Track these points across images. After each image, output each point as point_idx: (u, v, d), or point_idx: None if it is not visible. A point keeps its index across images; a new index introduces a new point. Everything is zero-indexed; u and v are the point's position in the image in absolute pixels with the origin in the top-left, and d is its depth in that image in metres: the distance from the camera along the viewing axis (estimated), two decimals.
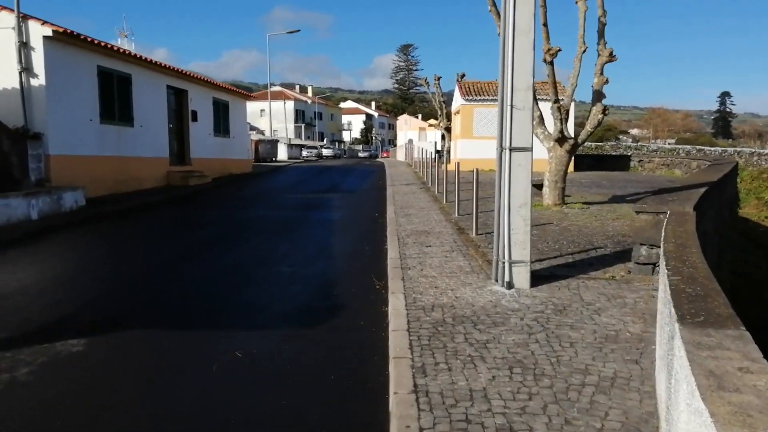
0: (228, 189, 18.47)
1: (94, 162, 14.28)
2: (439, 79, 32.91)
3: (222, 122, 22.78)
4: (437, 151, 42.35)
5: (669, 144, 65.51)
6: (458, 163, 12.18)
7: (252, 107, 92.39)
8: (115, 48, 14.93)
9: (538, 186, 13.50)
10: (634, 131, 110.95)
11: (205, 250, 8.80)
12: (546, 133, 12.65)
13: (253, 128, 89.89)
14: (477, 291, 6.02)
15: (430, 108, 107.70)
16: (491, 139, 26.36)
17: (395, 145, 72.14)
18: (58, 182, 12.72)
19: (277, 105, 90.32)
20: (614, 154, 31.45)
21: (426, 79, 35.56)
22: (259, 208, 13.74)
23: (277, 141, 39.67)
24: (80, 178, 13.49)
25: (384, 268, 7.31)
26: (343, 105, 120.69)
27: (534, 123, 12.74)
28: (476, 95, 26.41)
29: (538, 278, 6.37)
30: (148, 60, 16.83)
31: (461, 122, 26.86)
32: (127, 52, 15.52)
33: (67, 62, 13.31)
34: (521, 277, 6.14)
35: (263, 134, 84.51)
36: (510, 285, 6.10)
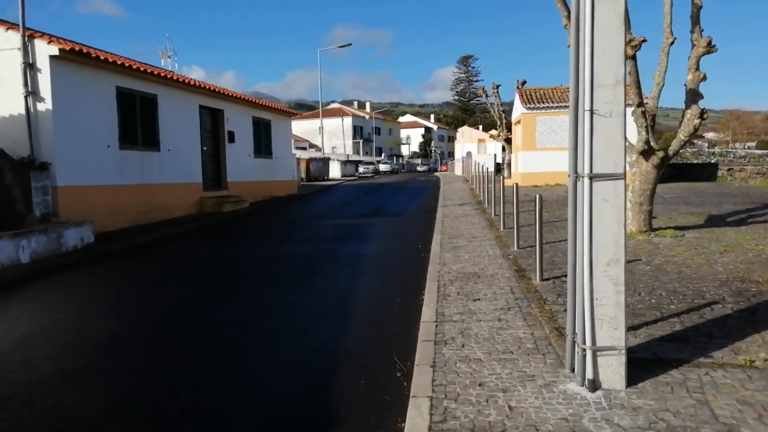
0: (263, 215, 16.97)
1: (112, 192, 13.04)
2: (497, 87, 30.63)
3: (263, 142, 21.47)
4: (497, 164, 39.85)
5: (749, 148, 60.38)
6: (516, 185, 10.02)
7: (310, 125, 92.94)
8: (135, 66, 13.73)
9: None
10: (710, 135, 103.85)
11: (196, 304, 7.09)
12: (628, 144, 10.30)
13: (312, 146, 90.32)
14: (543, 394, 3.94)
15: (490, 119, 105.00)
16: (556, 151, 23.92)
17: (454, 158, 69.81)
18: (68, 216, 11.50)
19: (336, 122, 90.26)
20: (698, 162, 28.06)
21: (483, 88, 33.33)
22: (286, 241, 12.04)
23: (328, 159, 38.39)
24: (95, 211, 12.27)
25: (413, 339, 5.32)
26: (401, 119, 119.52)
27: None
28: (538, 102, 24.00)
29: (635, 366, 4.22)
30: (177, 78, 15.64)
31: (522, 133, 24.50)
32: (149, 71, 14.32)
33: (78, 83, 12.15)
34: (612, 371, 4.00)
35: (324, 152, 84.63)
36: (595, 385, 3.97)
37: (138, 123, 14.16)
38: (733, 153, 33.64)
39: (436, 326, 5.56)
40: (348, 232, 12.97)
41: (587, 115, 3.95)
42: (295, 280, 8.18)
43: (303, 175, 34.93)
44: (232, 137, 18.76)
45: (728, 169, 25.17)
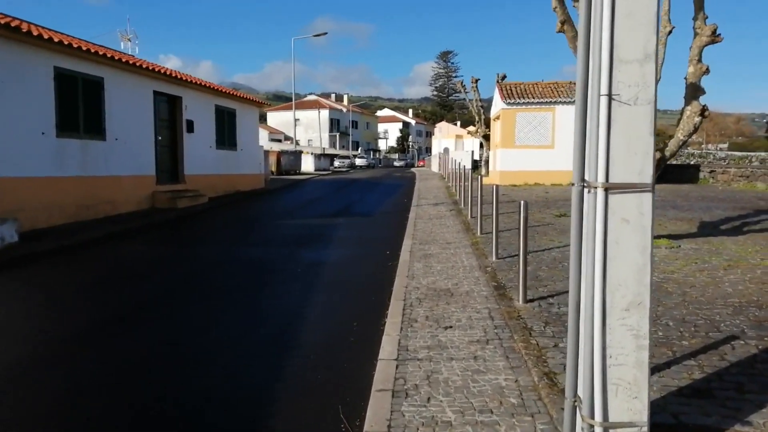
0: (221, 212, 15.65)
1: (46, 184, 11.62)
2: (476, 81, 29.59)
3: (227, 133, 20.08)
4: (474, 161, 38.91)
5: (721, 149, 60.78)
6: (496, 186, 8.92)
7: (286, 117, 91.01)
8: (77, 45, 12.28)
9: None
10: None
11: (106, 327, 5.83)
12: None
13: (287, 138, 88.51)
14: None
15: (469, 115, 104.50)
16: (536, 149, 22.99)
17: (431, 154, 68.87)
18: None
19: (312, 114, 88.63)
20: (678, 163, 27.43)
21: (462, 82, 32.26)
22: (241, 243, 10.80)
23: (300, 152, 36.96)
24: (24, 205, 10.86)
25: (367, 385, 4.19)
26: (379, 113, 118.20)
27: None
28: (519, 98, 23.02)
29: None
30: (127, 60, 14.19)
31: (502, 129, 23.52)
32: (94, 50, 12.87)
33: (6, 62, 10.70)
34: None
35: (298, 144, 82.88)
36: None
37: (80, 108, 12.72)
38: (713, 155, 33.21)
39: (397, 366, 4.43)
40: (311, 234, 11.76)
41: (603, 101, 2.84)
42: (238, 295, 6.96)
43: (273, 168, 33.50)
44: (191, 126, 17.37)
45: (710, 171, 24.56)
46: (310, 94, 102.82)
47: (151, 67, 15.21)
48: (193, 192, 16.73)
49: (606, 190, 2.86)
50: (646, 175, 2.84)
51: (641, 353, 2.89)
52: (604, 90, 2.83)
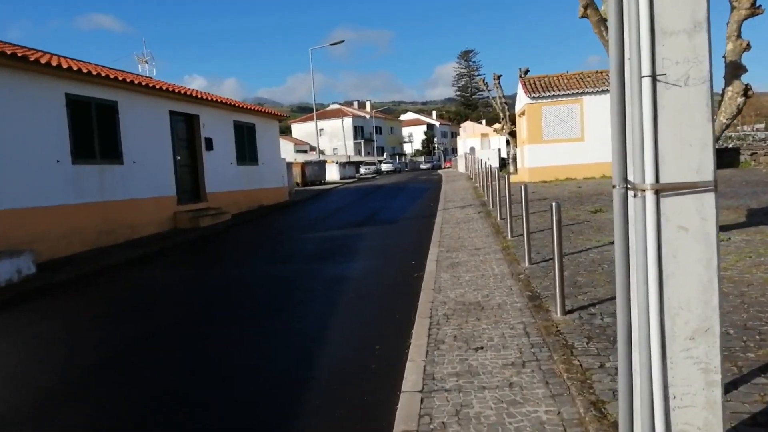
0: (243, 229, 15.37)
1: (64, 213, 11.48)
2: (499, 77, 28.86)
3: (247, 148, 19.88)
4: (502, 159, 38.12)
5: (757, 130, 58.22)
6: (525, 186, 8.32)
7: (310, 128, 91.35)
8: (86, 70, 12.15)
9: None
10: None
11: (107, 366, 5.48)
12: None
13: (313, 148, 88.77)
14: None
15: (493, 113, 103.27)
16: (564, 142, 22.19)
17: (457, 154, 68.07)
18: (8, 245, 9.94)
19: (336, 123, 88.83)
20: (717, 146, 26.16)
21: (484, 80, 31.53)
22: (261, 261, 10.43)
23: (324, 162, 36.72)
24: (43, 236, 10.72)
25: (387, 428, 3.70)
26: (403, 117, 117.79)
27: None
28: (544, 91, 22.27)
29: None
30: (139, 82, 14.04)
31: (528, 124, 22.79)
32: (105, 74, 12.74)
33: (15, 92, 10.59)
34: None
35: (323, 153, 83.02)
36: None
37: (95, 134, 12.59)
38: (752, 136, 31.74)
39: (422, 400, 3.93)
40: (334, 246, 11.34)
41: (646, 84, 2.31)
42: (253, 322, 6.55)
43: (298, 180, 33.35)
44: (209, 144, 17.19)
45: (751, 154, 23.35)
46: (333, 103, 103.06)
47: (165, 87, 15.07)
48: (215, 210, 16.52)
49: (656, 192, 2.32)
50: (706, 171, 2.30)
51: (713, 391, 2.34)
52: (646, 70, 2.29)
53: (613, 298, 4.40)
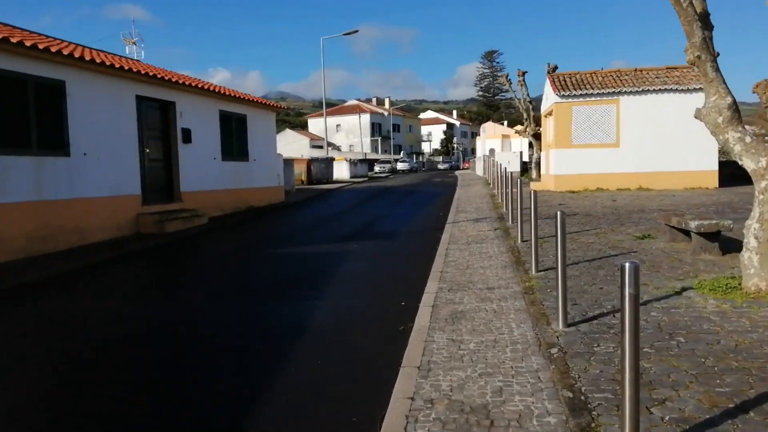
0: (213, 237, 13.07)
1: None
2: (524, 74, 26.24)
3: (236, 142, 17.59)
4: (523, 164, 35.43)
5: None
6: (562, 215, 5.73)
7: (329, 123, 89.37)
8: (16, 40, 9.88)
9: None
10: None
11: None
12: (752, 142, 6.09)
13: (330, 144, 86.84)
14: None
15: (516, 114, 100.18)
16: (596, 148, 19.52)
17: (476, 156, 65.32)
18: None
19: (353, 119, 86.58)
20: None
21: (507, 76, 28.88)
22: (208, 290, 8.09)
23: (332, 159, 34.35)
24: None
25: None
26: (422, 115, 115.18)
27: (722, 119, 6.26)
28: (575, 89, 19.63)
29: None
30: (93, 59, 11.78)
31: (556, 126, 20.18)
32: (45, 47, 10.48)
33: None
34: None
35: (339, 149, 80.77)
36: None
37: (32, 118, 10.37)
38: None
39: None
40: (306, 271, 8.98)
41: None
42: (132, 413, 4.18)
43: (303, 178, 31.07)
44: (187, 136, 14.93)
45: None
46: (354, 99, 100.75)
47: (128, 67, 12.77)
48: (189, 212, 14.26)
49: None
50: None
51: None
52: None
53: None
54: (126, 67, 12.60)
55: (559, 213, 5.59)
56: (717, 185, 18.87)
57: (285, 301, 7.15)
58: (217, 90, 16.25)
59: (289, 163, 24.63)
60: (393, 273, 8.54)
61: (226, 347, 5.56)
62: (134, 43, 20.94)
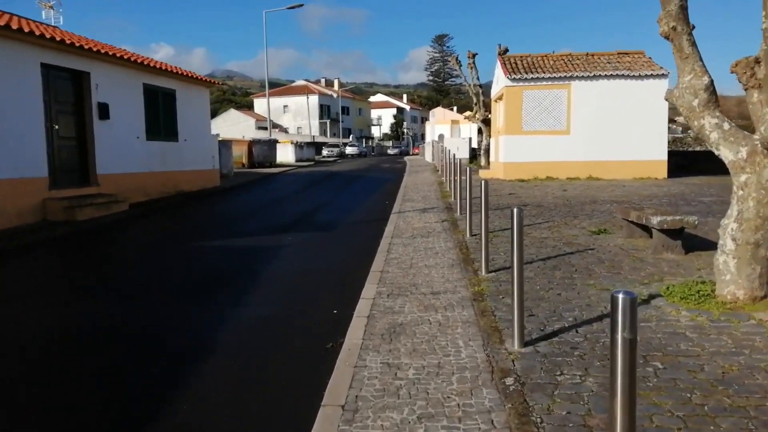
0: (130, 227, 11.70)
1: None
2: (474, 56, 25.48)
3: (163, 119, 16.07)
4: (472, 150, 34.91)
5: None
6: (519, 214, 4.84)
7: (274, 104, 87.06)
8: None
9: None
10: (681, 119, 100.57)
11: None
12: (730, 129, 5.38)
13: (276, 126, 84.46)
14: None
15: (465, 100, 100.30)
16: (547, 134, 19.00)
17: (426, 141, 64.76)
18: None
19: (301, 100, 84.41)
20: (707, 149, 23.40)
21: (457, 58, 28.05)
22: (99, 292, 6.88)
23: (275, 141, 32.78)
24: None
25: None
26: (372, 99, 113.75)
27: (698, 102, 5.52)
28: (526, 72, 18.99)
29: None
30: None
31: (506, 111, 19.52)
32: None
33: None
34: None
35: (286, 132, 78.57)
36: None
37: None
38: None
39: None
40: (233, 267, 7.89)
41: None
42: None
43: (244, 161, 29.50)
44: (105, 112, 13.38)
45: None
46: (305, 80, 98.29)
47: (30, 30, 11.12)
48: (107, 197, 12.80)
49: None
50: None
51: None
52: None
53: None
54: (27, 30, 10.97)
55: (515, 210, 4.72)
56: (666, 176, 18.69)
57: (197, 308, 6.05)
58: (139, 61, 14.66)
59: (226, 144, 23.11)
60: (328, 272, 7.54)
61: (106, 369, 4.44)
62: (51, 7, 18.87)
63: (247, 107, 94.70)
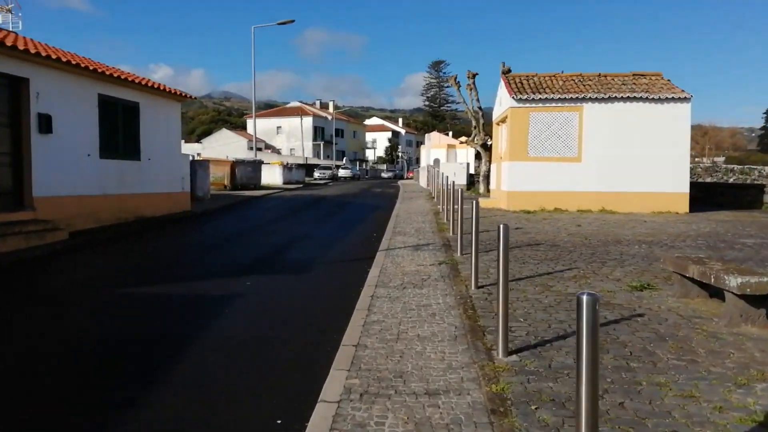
0: (63, 262, 9.61)
1: None
2: (474, 76, 23.77)
3: (122, 136, 14.10)
4: (470, 176, 33.08)
5: (715, 162, 57.21)
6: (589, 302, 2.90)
7: (267, 124, 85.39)
8: None
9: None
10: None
11: None
12: None
13: (269, 147, 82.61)
14: None
15: (462, 125, 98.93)
16: (556, 161, 17.07)
17: (420, 165, 62.98)
18: None
19: (295, 122, 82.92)
20: (733, 182, 21.70)
21: (456, 78, 26.34)
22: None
23: (260, 162, 30.83)
24: None
25: None
26: (368, 122, 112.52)
27: None
28: (533, 93, 17.20)
29: None
30: None
31: (510, 134, 17.68)
32: None
33: None
34: None
35: (279, 153, 76.82)
36: None
37: None
38: (758, 171, 27.53)
39: None
40: (161, 330, 5.85)
41: None
42: None
43: (227, 182, 27.52)
44: (47, 125, 11.42)
45: None
46: (298, 102, 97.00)
47: None
48: (41, 224, 10.76)
49: None
50: None
51: None
52: None
53: None
54: None
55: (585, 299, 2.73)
56: (687, 210, 16.83)
57: (80, 409, 3.99)
58: (92, 68, 12.70)
59: (203, 164, 21.11)
60: (281, 344, 5.50)
61: None
62: (9, 11, 17.03)
63: (242, 128, 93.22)
